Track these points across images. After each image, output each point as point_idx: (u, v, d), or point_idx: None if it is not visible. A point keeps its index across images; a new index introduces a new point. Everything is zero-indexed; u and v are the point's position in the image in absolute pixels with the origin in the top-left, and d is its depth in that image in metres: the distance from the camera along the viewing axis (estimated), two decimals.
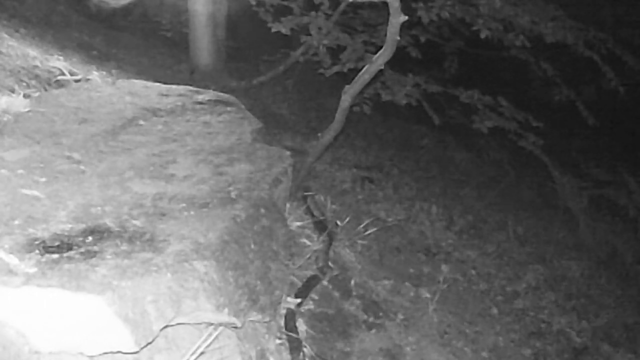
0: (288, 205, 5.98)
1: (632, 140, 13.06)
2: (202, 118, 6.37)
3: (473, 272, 7.48)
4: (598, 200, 10.52)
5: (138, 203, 4.39)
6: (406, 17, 6.08)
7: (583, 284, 8.20)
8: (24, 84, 6.58)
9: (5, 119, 5.42)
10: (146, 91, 6.96)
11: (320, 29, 9.09)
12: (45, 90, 6.64)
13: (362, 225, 6.90)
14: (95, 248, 3.70)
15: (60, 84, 6.94)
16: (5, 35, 7.79)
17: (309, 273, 5.58)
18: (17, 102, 5.78)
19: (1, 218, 3.89)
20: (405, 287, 6.45)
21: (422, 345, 5.60)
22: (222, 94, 7.27)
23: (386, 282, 6.37)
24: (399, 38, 6.16)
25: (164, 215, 4.27)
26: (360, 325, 5.50)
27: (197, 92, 7.13)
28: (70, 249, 3.65)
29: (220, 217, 4.36)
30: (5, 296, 3.24)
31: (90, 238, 3.80)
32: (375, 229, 6.99)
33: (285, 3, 9.22)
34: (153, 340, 3.53)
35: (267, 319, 4.52)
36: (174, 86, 7.27)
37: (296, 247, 5.80)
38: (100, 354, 3.42)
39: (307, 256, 5.80)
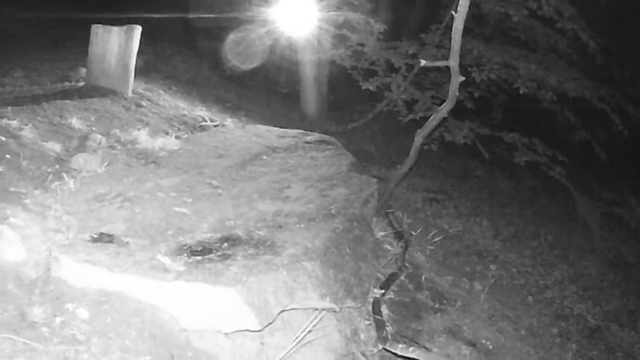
0: (374, 219, 5.99)
1: (634, 170, 12.99)
2: (310, 154, 6.42)
3: (514, 270, 7.35)
4: (609, 215, 10.41)
5: (262, 218, 4.46)
6: (463, 78, 6.10)
7: (597, 279, 8.03)
8: (176, 128, 6.72)
9: (161, 154, 5.64)
10: (268, 133, 7.08)
11: (399, 86, 9.15)
12: (192, 132, 6.78)
13: (430, 235, 6.83)
14: (229, 252, 3.77)
15: (203, 128, 7.04)
16: (161, 92, 7.98)
17: (390, 271, 5.54)
18: (170, 142, 6.00)
19: (158, 229, 4.01)
20: (462, 282, 6.37)
21: (476, 325, 5.57)
22: (325, 136, 7.38)
23: (448, 277, 6.31)
24: (458, 94, 6.13)
25: (281, 227, 4.33)
26: (429, 310, 5.48)
27: (306, 134, 7.25)
28: (210, 252, 3.74)
29: (324, 228, 4.39)
30: (162, 288, 3.36)
31: (225, 244, 3.89)
32: (440, 237, 6.93)
33: (373, 67, 9.23)
34: (273, 322, 3.59)
35: (358, 305, 4.53)
36: (288, 130, 7.41)
37: (381, 251, 5.78)
38: (232, 332, 3.51)
39: (389, 258, 5.76)
